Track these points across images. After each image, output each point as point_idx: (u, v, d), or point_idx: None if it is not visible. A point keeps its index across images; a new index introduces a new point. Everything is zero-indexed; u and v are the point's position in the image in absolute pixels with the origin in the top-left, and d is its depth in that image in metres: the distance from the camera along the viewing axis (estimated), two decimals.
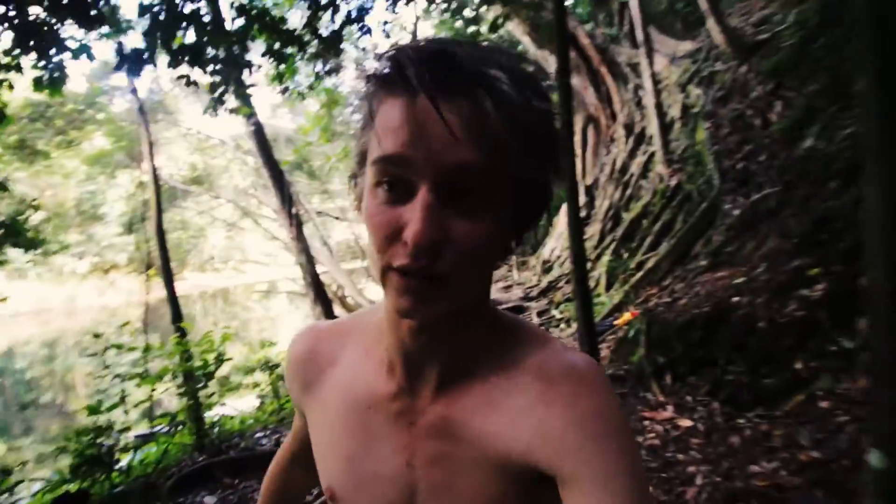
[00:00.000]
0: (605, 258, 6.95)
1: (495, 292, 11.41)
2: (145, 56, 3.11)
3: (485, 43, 0.42)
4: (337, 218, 17.50)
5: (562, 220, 11.96)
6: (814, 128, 4.01)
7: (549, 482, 0.48)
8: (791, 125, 4.31)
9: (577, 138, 10.68)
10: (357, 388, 0.55)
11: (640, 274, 5.61)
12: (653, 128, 7.38)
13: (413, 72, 0.37)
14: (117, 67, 3.16)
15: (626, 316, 4.97)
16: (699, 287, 3.95)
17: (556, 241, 11.93)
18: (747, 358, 2.82)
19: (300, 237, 7.19)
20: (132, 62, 3.11)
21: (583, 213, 10.27)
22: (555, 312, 7.87)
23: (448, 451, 0.51)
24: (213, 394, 4.30)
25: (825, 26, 5.01)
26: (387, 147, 0.40)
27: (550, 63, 10.14)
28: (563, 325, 7.12)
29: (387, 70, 0.40)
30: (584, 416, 0.46)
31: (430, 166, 0.39)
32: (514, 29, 9.84)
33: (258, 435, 4.45)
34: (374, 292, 14.72)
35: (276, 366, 5.42)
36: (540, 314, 8.15)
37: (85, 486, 3.27)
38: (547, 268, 11.49)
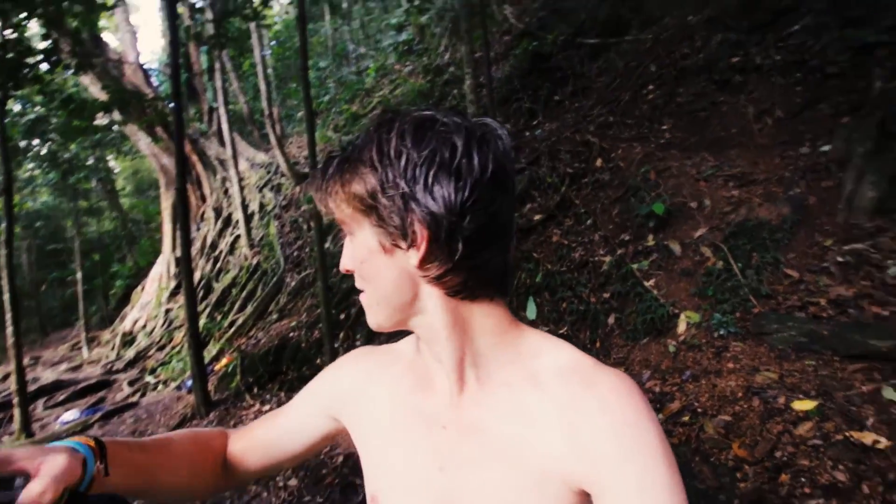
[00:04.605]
0: (202, 321, 8.40)
1: (60, 375, 10.32)
2: None
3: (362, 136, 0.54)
4: None
5: (148, 291, 12.24)
6: (329, 235, 7.29)
7: (586, 496, 0.49)
8: (329, 227, 7.52)
9: (169, 213, 11.61)
10: (399, 401, 0.62)
11: (232, 330, 7.50)
12: (238, 216, 9.61)
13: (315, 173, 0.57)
14: None
15: (224, 361, 6.74)
16: (273, 332, 6.30)
17: (141, 312, 12.08)
18: (298, 362, 5.30)
19: None
20: None
21: (174, 283, 11.19)
22: (149, 378, 8.47)
23: (478, 453, 0.54)
24: None
25: None
26: None
27: (162, 158, 11.07)
28: (160, 387, 7.99)
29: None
30: (616, 425, 0.47)
31: None
32: (130, 130, 10.38)
33: None
34: None
35: None
36: (132, 383, 8.50)
37: None
38: (128, 340, 11.41)
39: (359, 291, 0.58)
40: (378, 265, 0.54)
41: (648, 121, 5.31)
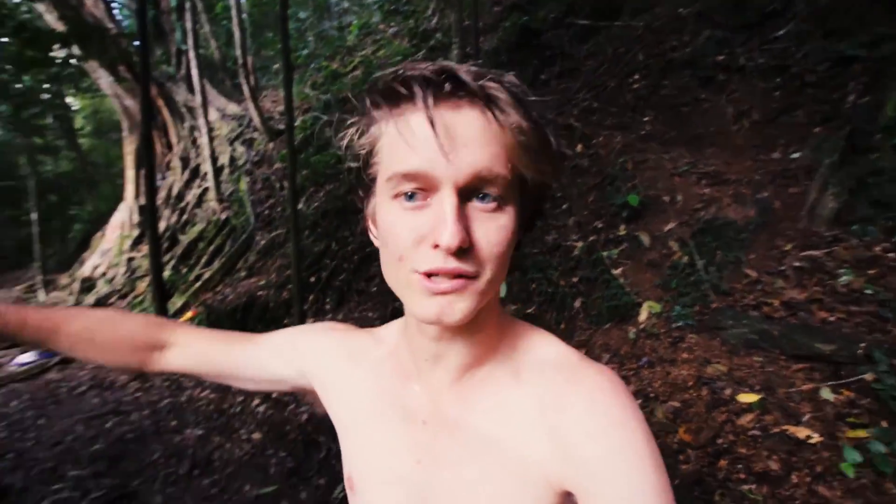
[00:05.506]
0: (167, 273, 8.18)
1: None
2: None
3: (476, 66, 0.43)
4: None
5: (109, 237, 11.77)
6: (302, 196, 7.14)
7: (569, 496, 0.48)
8: (302, 188, 7.34)
9: (132, 159, 11.06)
10: (379, 388, 0.59)
11: (198, 284, 7.34)
12: (207, 168, 9.25)
13: (419, 89, 0.41)
14: None
15: (188, 314, 6.62)
16: (240, 289, 6.20)
17: (101, 258, 11.66)
18: (265, 322, 5.28)
19: None
20: None
21: (136, 232, 10.78)
22: None
23: (457, 451, 0.52)
24: None
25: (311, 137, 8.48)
26: (408, 164, 0.42)
27: (125, 99, 10.46)
28: None
29: (397, 90, 0.42)
30: (601, 425, 0.45)
31: (451, 175, 0.40)
32: (90, 66, 9.77)
33: None
34: None
35: None
36: None
37: None
38: (88, 286, 11.05)
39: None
40: (513, 237, 0.46)
41: (632, 111, 5.36)
